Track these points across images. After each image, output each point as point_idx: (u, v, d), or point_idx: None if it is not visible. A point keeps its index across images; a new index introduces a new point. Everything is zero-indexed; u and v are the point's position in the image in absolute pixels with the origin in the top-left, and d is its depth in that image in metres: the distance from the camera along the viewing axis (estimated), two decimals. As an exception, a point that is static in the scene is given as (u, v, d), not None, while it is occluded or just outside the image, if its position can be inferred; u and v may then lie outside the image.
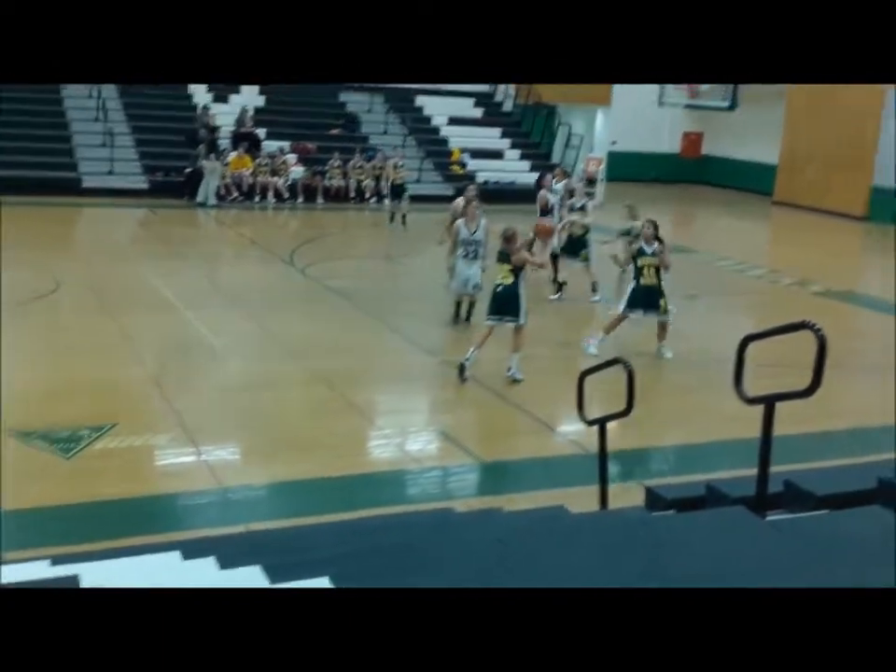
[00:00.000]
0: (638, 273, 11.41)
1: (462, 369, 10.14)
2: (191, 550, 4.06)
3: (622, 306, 11.46)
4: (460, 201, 14.70)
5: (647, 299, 11.36)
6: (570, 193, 15.14)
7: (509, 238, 10.26)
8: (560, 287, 14.38)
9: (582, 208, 14.48)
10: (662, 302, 11.39)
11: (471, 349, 10.25)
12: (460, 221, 12.26)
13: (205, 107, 24.40)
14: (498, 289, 10.30)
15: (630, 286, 11.52)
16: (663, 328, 11.57)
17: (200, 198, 21.92)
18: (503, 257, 10.29)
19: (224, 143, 23.75)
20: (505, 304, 10.23)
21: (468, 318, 12.42)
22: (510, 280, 10.20)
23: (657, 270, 11.38)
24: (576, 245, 14.31)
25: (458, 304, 12.40)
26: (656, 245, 11.38)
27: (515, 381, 10.19)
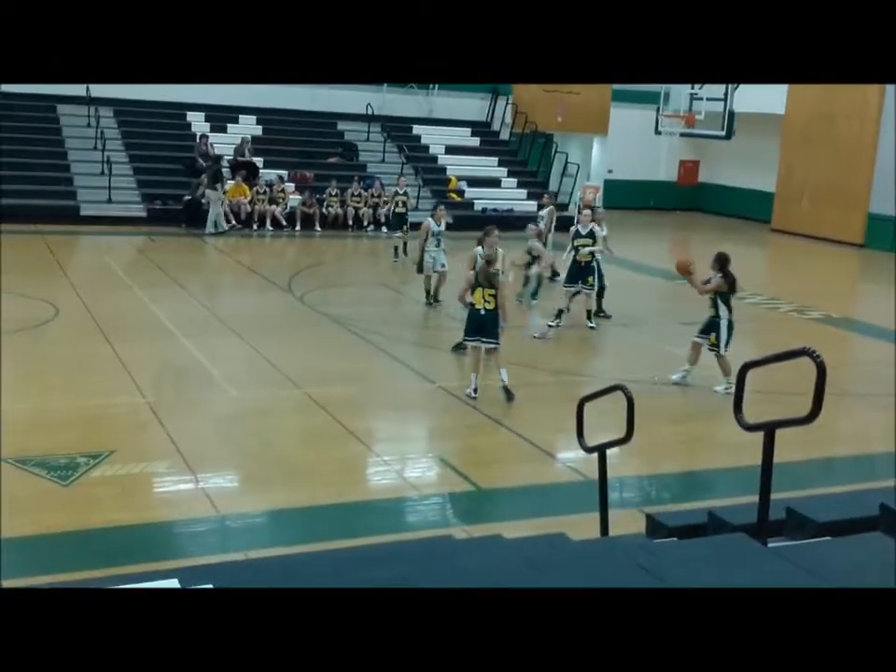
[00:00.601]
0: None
1: (474, 398, 10.41)
2: (190, 577, 4.02)
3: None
4: (429, 220, 15.19)
5: (707, 327, 11.41)
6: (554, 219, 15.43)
7: (491, 261, 10.54)
8: (560, 313, 14.37)
9: (590, 235, 14.48)
10: (711, 336, 11.30)
11: (473, 377, 10.47)
12: (478, 249, 12.28)
13: (203, 136, 24.50)
14: (481, 313, 10.49)
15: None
16: (718, 359, 11.33)
17: (209, 228, 22.05)
18: (485, 280, 10.44)
19: (223, 171, 23.82)
20: (487, 328, 10.48)
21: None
22: (492, 305, 10.45)
23: (713, 300, 11.34)
24: (584, 272, 14.32)
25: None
26: (718, 275, 11.30)
27: (509, 391, 10.38)
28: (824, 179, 27.10)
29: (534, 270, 14.17)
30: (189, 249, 20.41)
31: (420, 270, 15.24)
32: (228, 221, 22.51)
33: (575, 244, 14.44)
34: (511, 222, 23.13)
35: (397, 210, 20.58)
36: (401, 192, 20.74)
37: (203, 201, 22.36)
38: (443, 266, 15.17)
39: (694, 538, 4.91)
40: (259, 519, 7.49)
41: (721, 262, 11.37)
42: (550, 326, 14.20)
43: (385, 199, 23.27)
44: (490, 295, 10.42)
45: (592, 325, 14.33)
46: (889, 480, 8.08)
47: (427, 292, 15.29)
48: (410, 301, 16.11)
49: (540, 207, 19.19)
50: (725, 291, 11.29)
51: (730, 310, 11.35)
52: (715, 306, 11.31)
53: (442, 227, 15.50)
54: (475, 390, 10.43)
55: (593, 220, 14.88)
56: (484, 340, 10.50)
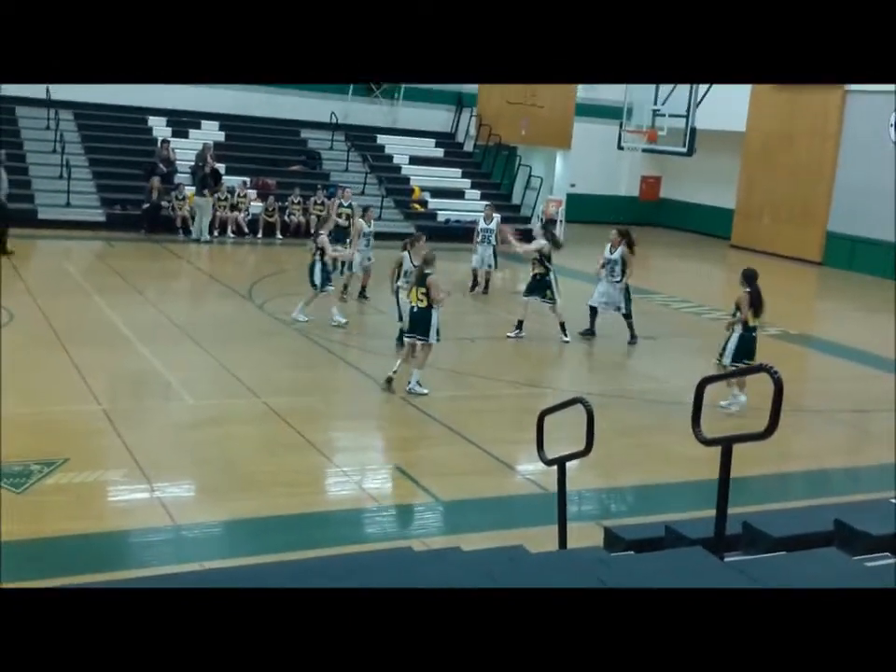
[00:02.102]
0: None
1: (389, 381, 11.00)
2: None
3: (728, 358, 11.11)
4: (360, 221, 16.24)
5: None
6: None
7: (429, 262, 11.17)
8: (519, 324, 14.39)
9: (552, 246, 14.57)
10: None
11: (397, 362, 11.12)
12: (405, 254, 12.68)
13: (165, 141, 24.31)
14: (414, 311, 11.07)
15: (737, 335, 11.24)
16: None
17: (194, 234, 22.08)
18: (421, 280, 11.02)
19: (183, 177, 23.68)
20: (418, 325, 11.01)
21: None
22: (424, 303, 10.99)
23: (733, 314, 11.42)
24: (539, 286, 14.34)
25: (402, 331, 12.43)
26: (745, 290, 11.32)
27: (419, 394, 10.89)
28: (783, 197, 27.41)
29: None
30: (149, 255, 20.22)
31: (350, 268, 16.12)
32: (186, 227, 22.41)
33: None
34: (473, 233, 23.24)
35: (340, 223, 18.32)
36: (345, 204, 19.21)
37: (165, 204, 22.25)
38: (370, 260, 16.09)
39: (652, 551, 4.92)
40: (216, 529, 7.42)
41: (749, 279, 11.34)
42: (509, 336, 14.26)
43: (330, 211, 22.79)
44: (423, 293, 10.95)
45: (566, 339, 14.31)
46: (843, 495, 8.18)
47: (345, 287, 15.93)
48: (371, 310, 16.08)
49: (488, 219, 18.38)
50: (749, 306, 11.17)
51: (746, 326, 11.19)
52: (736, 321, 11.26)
53: (372, 227, 16.19)
54: (394, 372, 11.01)
55: (620, 243, 14.60)
56: (418, 336, 11.03)
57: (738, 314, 11.22)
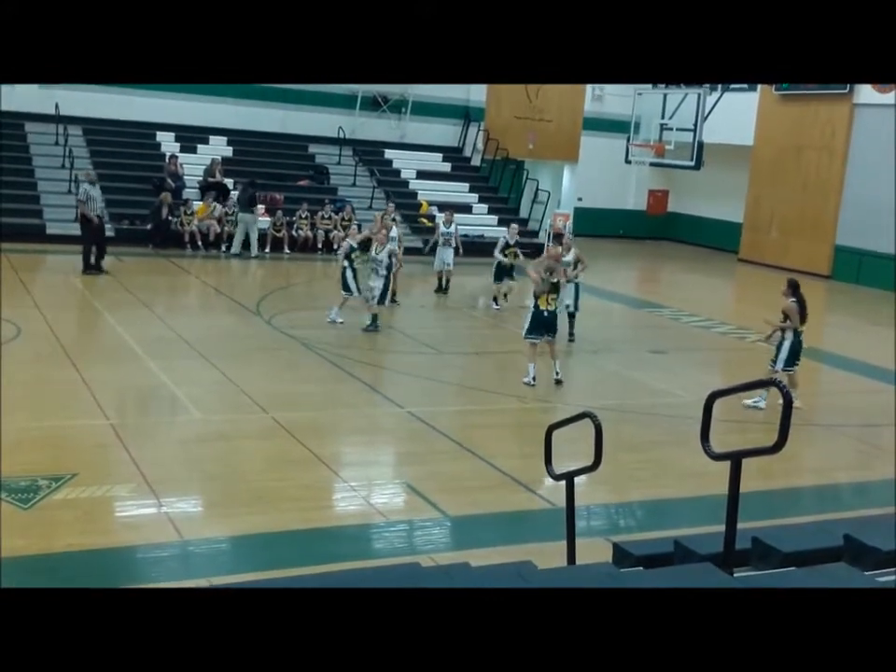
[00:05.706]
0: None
1: (531, 384, 12.31)
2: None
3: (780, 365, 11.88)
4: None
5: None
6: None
7: (552, 271, 12.48)
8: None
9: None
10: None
11: (531, 367, 12.39)
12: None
13: (173, 156, 24.39)
14: (545, 314, 12.42)
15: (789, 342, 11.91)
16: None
17: (235, 249, 22.48)
18: (553, 288, 12.40)
19: (191, 192, 23.76)
20: (552, 326, 12.50)
21: None
22: (553, 307, 12.46)
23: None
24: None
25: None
26: (791, 300, 12.04)
27: (559, 382, 12.46)
28: (792, 211, 27.41)
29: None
30: (157, 270, 20.26)
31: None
32: (193, 242, 22.47)
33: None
34: (482, 247, 23.28)
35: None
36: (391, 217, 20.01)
37: (173, 219, 22.28)
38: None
39: (661, 567, 4.90)
40: (224, 545, 7.40)
41: (794, 288, 12.06)
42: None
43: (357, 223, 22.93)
44: (553, 298, 12.37)
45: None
46: (853, 510, 8.15)
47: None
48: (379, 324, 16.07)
49: (447, 223, 19.61)
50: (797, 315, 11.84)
51: (796, 333, 11.88)
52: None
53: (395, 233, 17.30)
54: (534, 378, 12.36)
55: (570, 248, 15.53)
56: (550, 335, 12.48)
57: (788, 321, 11.90)
